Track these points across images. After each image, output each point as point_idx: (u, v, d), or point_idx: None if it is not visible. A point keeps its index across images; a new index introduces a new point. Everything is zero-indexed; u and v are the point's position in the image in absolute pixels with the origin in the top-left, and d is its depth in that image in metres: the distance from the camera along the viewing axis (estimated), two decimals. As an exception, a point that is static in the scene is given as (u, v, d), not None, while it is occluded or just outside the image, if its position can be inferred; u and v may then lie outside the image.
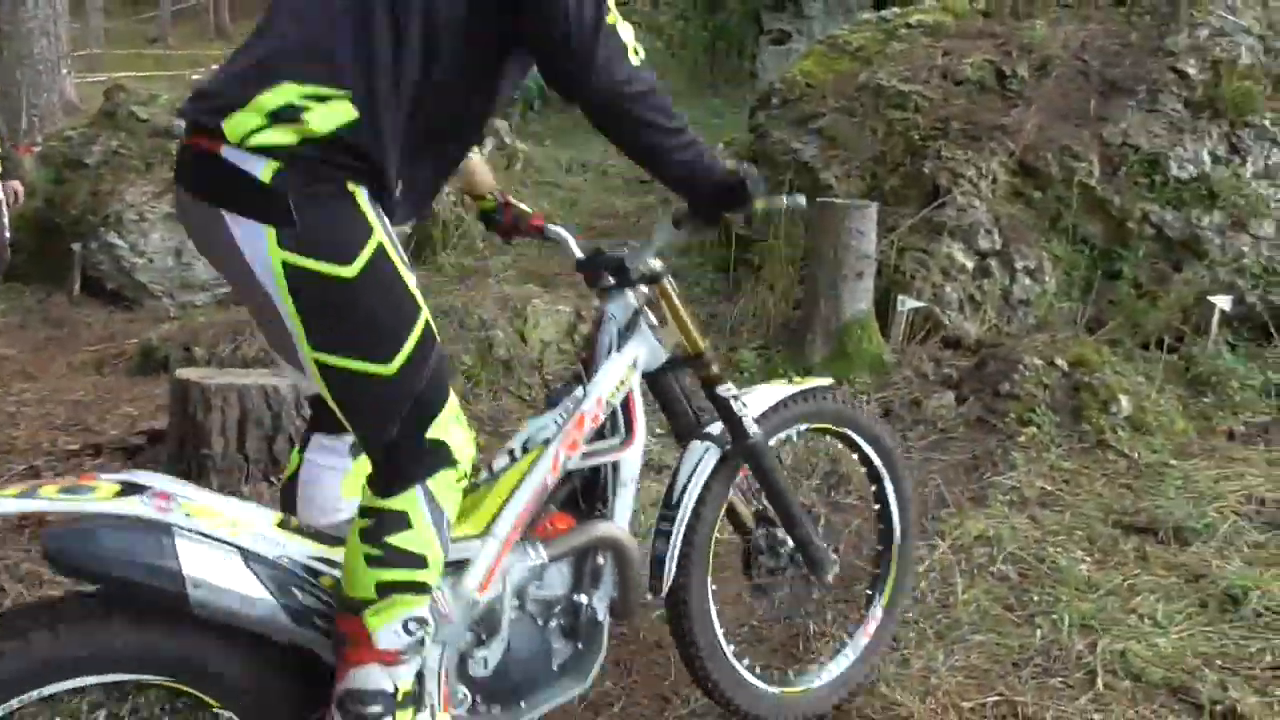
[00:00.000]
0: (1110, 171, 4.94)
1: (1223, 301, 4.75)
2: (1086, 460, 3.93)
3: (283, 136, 1.39)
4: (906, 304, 4.75)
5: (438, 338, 1.57)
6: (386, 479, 1.53)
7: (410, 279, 1.53)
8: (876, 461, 2.41)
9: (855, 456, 2.44)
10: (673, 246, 2.06)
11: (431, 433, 1.54)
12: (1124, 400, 4.14)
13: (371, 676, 1.54)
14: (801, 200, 2.07)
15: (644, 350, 1.98)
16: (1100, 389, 4.15)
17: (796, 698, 2.29)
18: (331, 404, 1.55)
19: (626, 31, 1.57)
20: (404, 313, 1.51)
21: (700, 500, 2.08)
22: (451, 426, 1.57)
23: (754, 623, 2.69)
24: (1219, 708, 2.38)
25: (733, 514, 2.25)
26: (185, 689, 1.48)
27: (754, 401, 2.14)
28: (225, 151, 1.40)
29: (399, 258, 1.51)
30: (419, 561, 1.53)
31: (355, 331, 1.47)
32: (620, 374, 1.94)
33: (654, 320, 2.00)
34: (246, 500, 1.63)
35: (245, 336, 4.41)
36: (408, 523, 1.52)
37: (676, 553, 2.05)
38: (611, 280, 1.97)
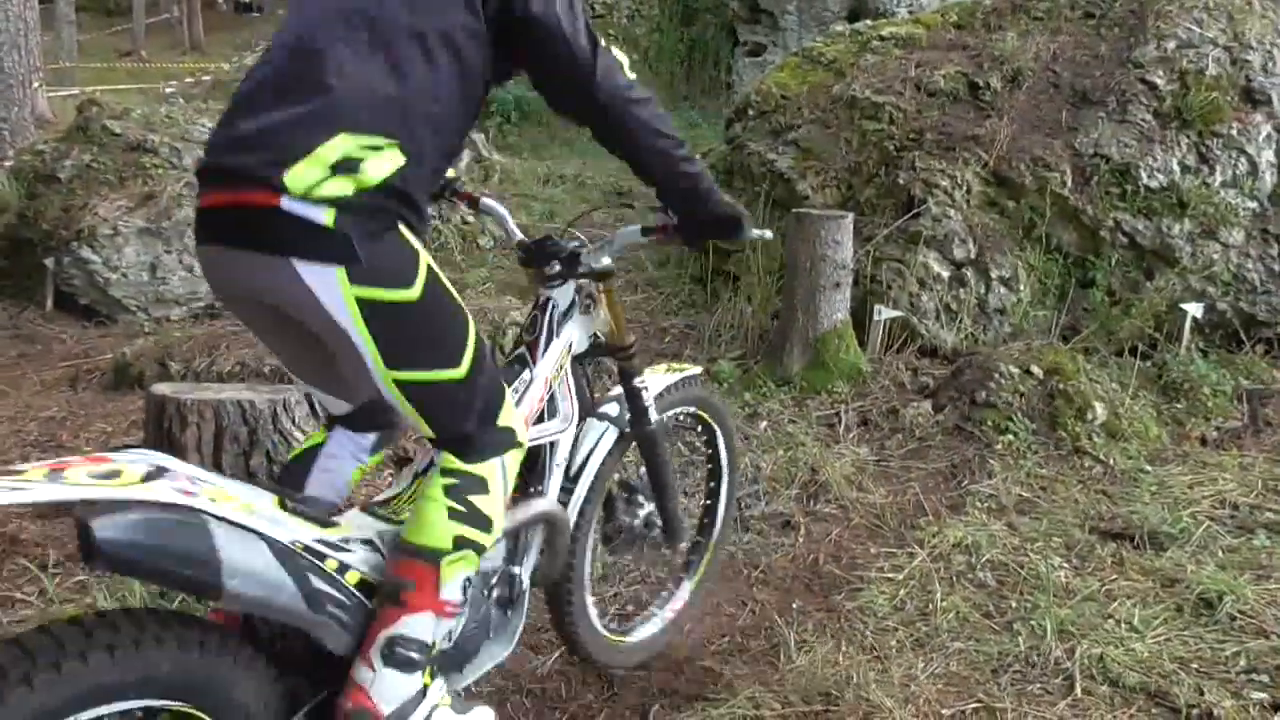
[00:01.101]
0: (1082, 181, 4.99)
1: (1194, 309, 4.81)
2: (1063, 467, 3.96)
3: (342, 188, 1.49)
4: (883, 314, 4.77)
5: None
6: (475, 449, 1.71)
7: (453, 289, 1.68)
8: (723, 457, 2.66)
9: (706, 446, 2.67)
10: (627, 249, 2.20)
11: (501, 420, 1.74)
12: (1099, 407, 4.18)
13: (425, 624, 1.65)
14: (768, 234, 2.21)
15: (577, 335, 2.14)
16: (1075, 396, 4.19)
17: (617, 647, 2.48)
18: (411, 415, 1.67)
19: (619, 53, 1.75)
20: (460, 319, 1.67)
21: (597, 474, 2.23)
22: (511, 411, 1.77)
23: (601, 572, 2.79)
24: (1195, 711, 2.41)
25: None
26: (195, 713, 1.43)
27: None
28: (285, 203, 1.46)
29: (441, 272, 1.65)
30: (488, 524, 1.71)
31: (426, 345, 1.62)
32: (559, 359, 2.08)
33: (586, 309, 2.15)
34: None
35: (221, 351, 4.38)
36: (487, 488, 1.70)
37: (574, 521, 2.19)
38: (558, 268, 2.07)
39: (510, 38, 1.66)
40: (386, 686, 1.62)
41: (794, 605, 2.95)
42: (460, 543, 1.67)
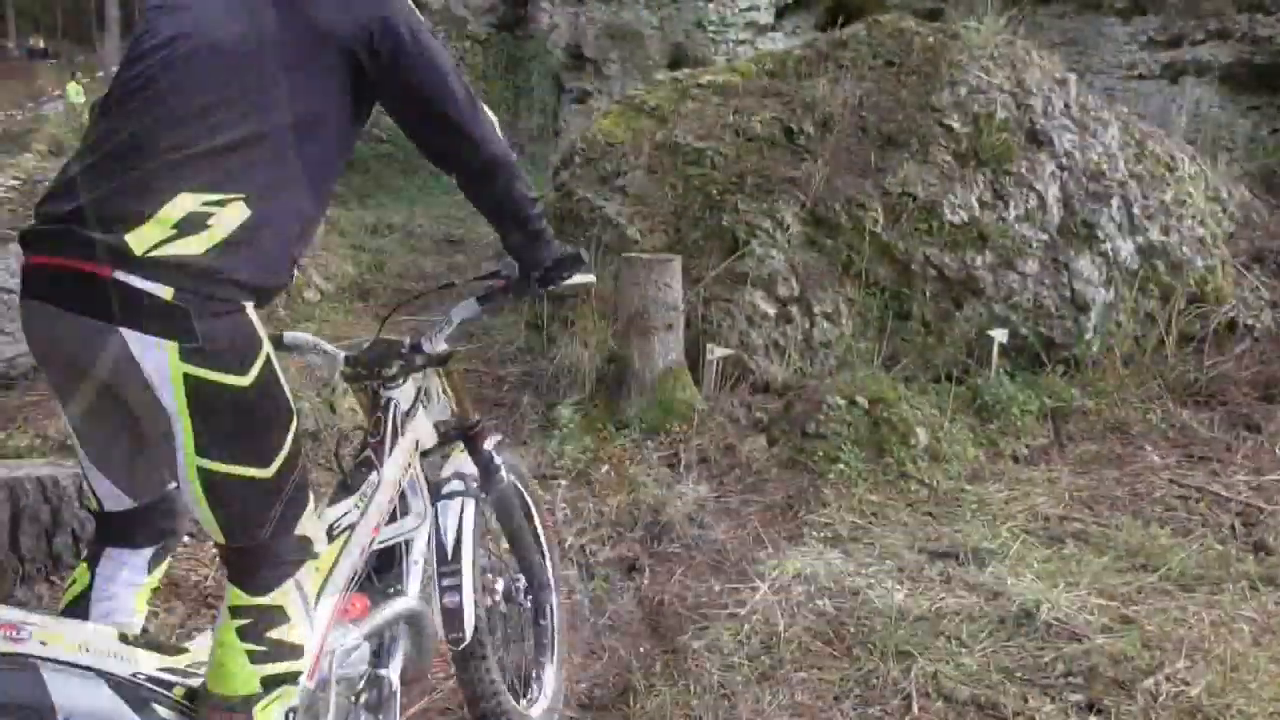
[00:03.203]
0: (893, 218, 5.28)
1: (1000, 335, 5.14)
2: (891, 492, 4.13)
3: (187, 248, 1.43)
4: (715, 352, 4.88)
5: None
6: (261, 577, 1.57)
7: (285, 385, 1.57)
8: (535, 517, 2.61)
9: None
10: (468, 323, 2.21)
11: (299, 529, 1.60)
12: (921, 433, 4.40)
13: None
14: (592, 278, 2.20)
15: (424, 430, 2.12)
16: (899, 423, 4.39)
17: (544, 709, 2.45)
18: (204, 514, 1.54)
19: (490, 114, 1.82)
20: (283, 416, 1.56)
21: (474, 548, 2.19)
22: (311, 520, 1.65)
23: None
24: (1021, 719, 2.53)
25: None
26: None
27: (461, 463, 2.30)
28: (120, 274, 1.40)
29: (279, 365, 1.56)
30: (298, 652, 1.59)
31: (243, 437, 1.51)
32: (407, 458, 2.04)
33: (430, 399, 2.12)
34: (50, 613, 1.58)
35: (16, 425, 4.04)
36: (285, 615, 1.57)
37: (471, 602, 2.13)
38: (396, 367, 2.04)
39: (389, 96, 1.71)
40: None
41: (641, 649, 2.94)
42: (269, 683, 1.55)
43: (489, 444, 2.28)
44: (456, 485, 2.24)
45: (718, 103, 5.94)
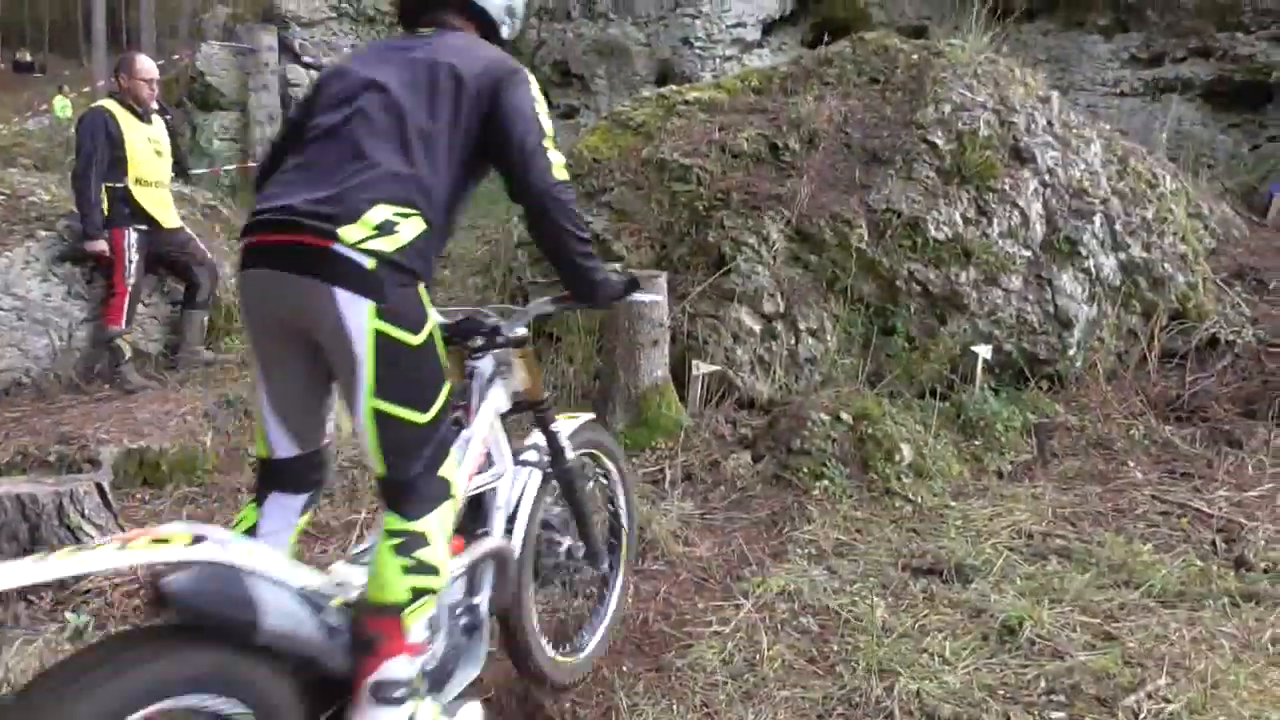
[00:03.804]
0: (877, 235, 5.31)
1: (983, 351, 5.17)
2: (875, 508, 4.14)
3: (384, 244, 1.89)
4: (701, 369, 4.89)
5: None
6: (412, 506, 1.98)
7: (444, 353, 2.04)
8: (619, 489, 3.02)
9: (604, 479, 3.02)
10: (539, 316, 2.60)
11: (442, 473, 2.02)
12: (905, 449, 4.41)
13: (401, 666, 1.93)
14: (656, 298, 2.64)
15: (501, 399, 2.45)
16: (883, 439, 4.40)
17: (572, 663, 2.77)
18: (372, 449, 1.95)
19: (557, 155, 2.16)
20: (440, 377, 2.01)
21: (531, 513, 2.52)
22: (452, 467, 2.06)
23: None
24: (1004, 737, 2.53)
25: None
26: (242, 707, 1.68)
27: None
28: (337, 246, 1.86)
29: (440, 337, 2.03)
30: (437, 571, 1.98)
31: (410, 385, 1.94)
32: (489, 419, 2.40)
33: (504, 373, 2.46)
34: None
35: (-2, 442, 4.02)
36: (428, 540, 1.97)
37: (516, 555, 2.46)
38: (480, 342, 2.40)
39: (490, 147, 2.14)
40: None
41: (625, 668, 2.93)
42: (416, 593, 1.94)
43: (554, 426, 2.59)
44: (530, 455, 2.58)
45: (704, 119, 5.97)
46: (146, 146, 5.52)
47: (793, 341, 5.15)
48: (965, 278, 5.31)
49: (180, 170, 8.39)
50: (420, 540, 1.95)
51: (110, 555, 1.56)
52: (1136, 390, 5.40)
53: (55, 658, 2.65)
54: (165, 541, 1.64)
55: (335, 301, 1.85)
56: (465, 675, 2.27)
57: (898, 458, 4.37)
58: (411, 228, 1.95)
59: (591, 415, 2.88)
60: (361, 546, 2.24)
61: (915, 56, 6.08)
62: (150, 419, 4.62)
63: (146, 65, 5.62)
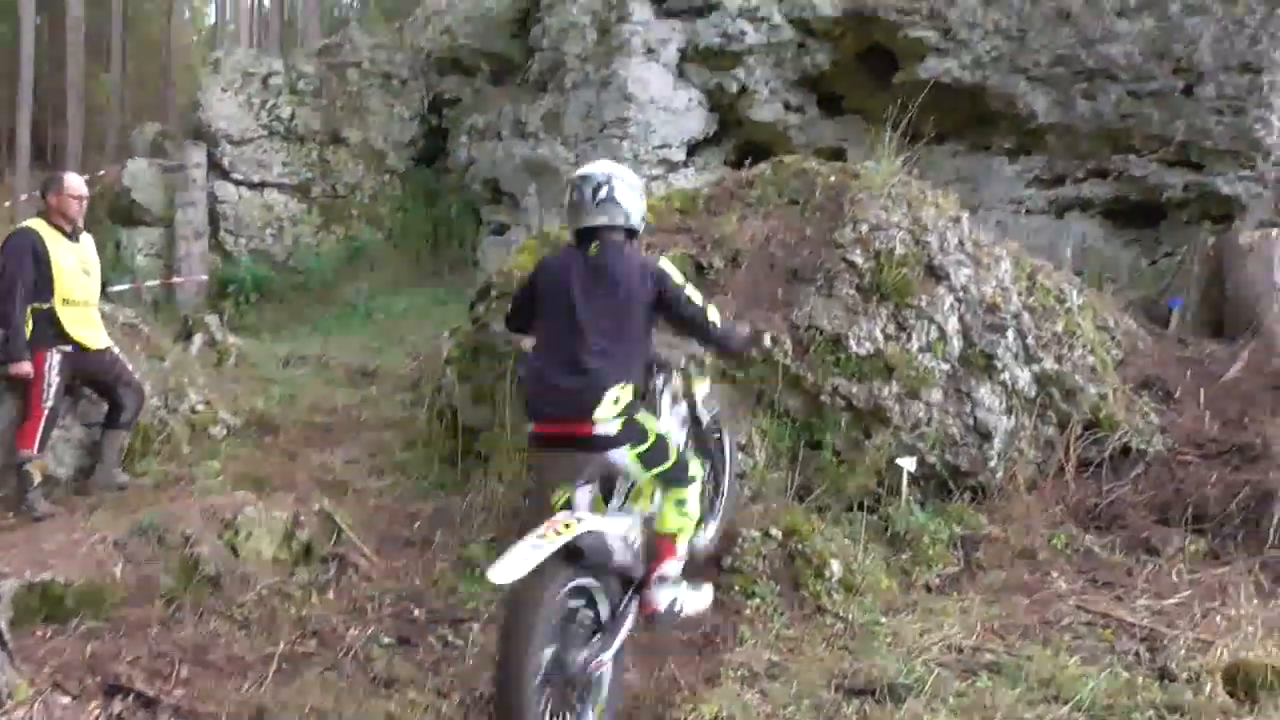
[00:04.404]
0: (802, 350, 5.42)
1: (908, 464, 5.25)
2: (807, 626, 4.12)
3: (617, 412, 3.31)
4: (631, 485, 4.88)
5: None
6: (679, 481, 3.51)
7: (660, 428, 3.59)
8: (726, 444, 4.49)
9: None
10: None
11: (690, 472, 3.56)
12: (835, 564, 4.42)
13: (674, 566, 3.52)
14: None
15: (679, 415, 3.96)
16: (813, 555, 4.42)
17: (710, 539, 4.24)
18: (646, 474, 3.51)
19: (713, 310, 3.64)
20: (669, 444, 3.54)
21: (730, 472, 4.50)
22: (697, 468, 3.65)
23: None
24: None
25: None
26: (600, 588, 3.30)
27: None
28: (596, 429, 3.30)
29: (658, 424, 3.62)
30: (692, 519, 3.56)
31: (660, 458, 3.47)
32: (675, 425, 3.86)
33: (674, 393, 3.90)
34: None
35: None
36: (687, 499, 3.51)
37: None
38: (658, 368, 3.74)
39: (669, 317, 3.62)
40: (660, 597, 3.47)
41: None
42: (684, 527, 3.53)
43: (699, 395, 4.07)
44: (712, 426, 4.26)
45: (630, 239, 6.08)
46: (75, 266, 5.42)
47: (722, 457, 5.17)
48: (888, 391, 5.43)
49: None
50: (684, 501, 3.49)
51: (551, 541, 3.00)
52: (1056, 499, 5.52)
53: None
54: (569, 526, 3.09)
55: (609, 459, 3.43)
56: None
57: (828, 574, 4.38)
58: (629, 395, 3.36)
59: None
60: (615, 504, 3.61)
61: (833, 179, 6.32)
62: (56, 549, 4.41)
63: (76, 183, 5.57)
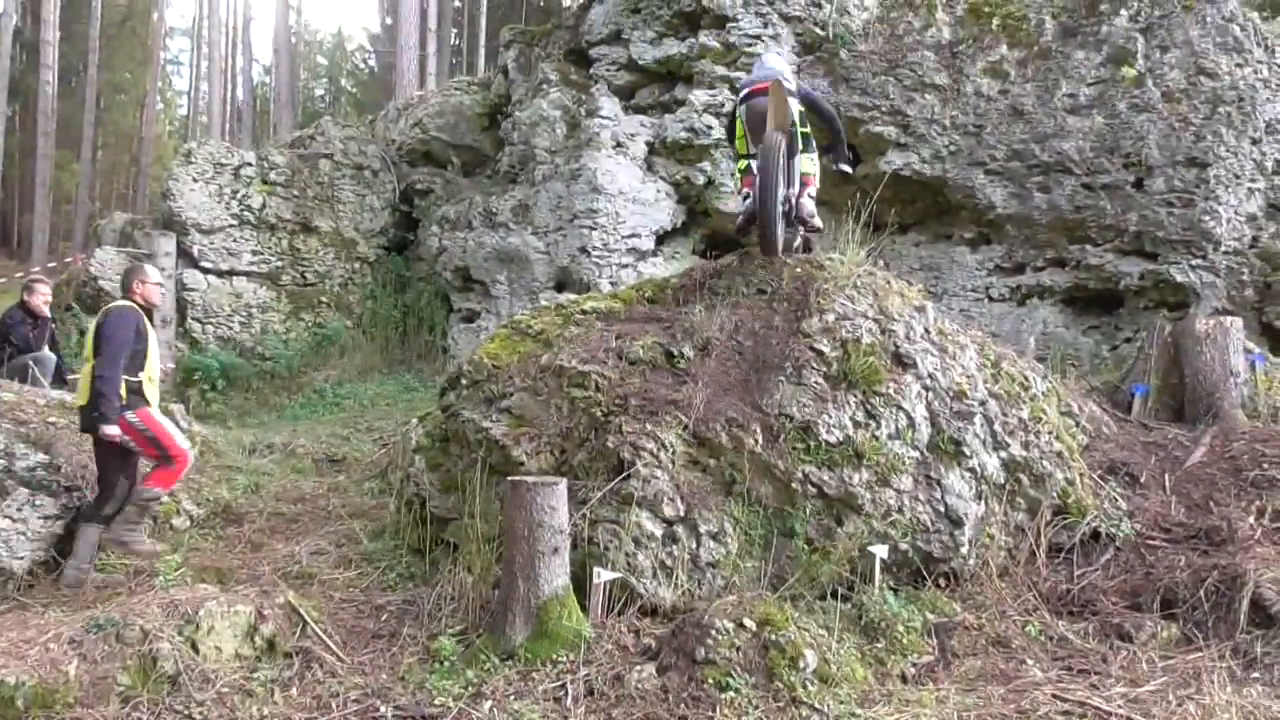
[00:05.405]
0: (772, 438, 5.44)
1: (880, 551, 5.24)
2: (783, 719, 4.04)
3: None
4: (602, 576, 4.82)
5: None
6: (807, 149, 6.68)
7: None
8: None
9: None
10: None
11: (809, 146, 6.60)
12: (809, 655, 4.37)
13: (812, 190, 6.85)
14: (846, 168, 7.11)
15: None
16: (787, 646, 4.36)
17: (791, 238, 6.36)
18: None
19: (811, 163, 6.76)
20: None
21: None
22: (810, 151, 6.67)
23: None
24: None
25: None
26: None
27: None
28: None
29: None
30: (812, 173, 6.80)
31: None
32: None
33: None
34: None
35: None
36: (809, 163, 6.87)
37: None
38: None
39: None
40: (806, 203, 6.71)
41: None
42: (811, 172, 6.77)
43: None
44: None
45: (601, 327, 6.15)
46: (158, 348, 6.07)
47: (694, 545, 5.15)
48: (859, 479, 5.45)
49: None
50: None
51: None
52: (1028, 585, 5.52)
53: None
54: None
55: None
56: None
57: (802, 664, 4.32)
58: None
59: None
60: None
61: (799, 269, 6.44)
62: (7, 646, 4.27)
63: (156, 273, 6.50)
